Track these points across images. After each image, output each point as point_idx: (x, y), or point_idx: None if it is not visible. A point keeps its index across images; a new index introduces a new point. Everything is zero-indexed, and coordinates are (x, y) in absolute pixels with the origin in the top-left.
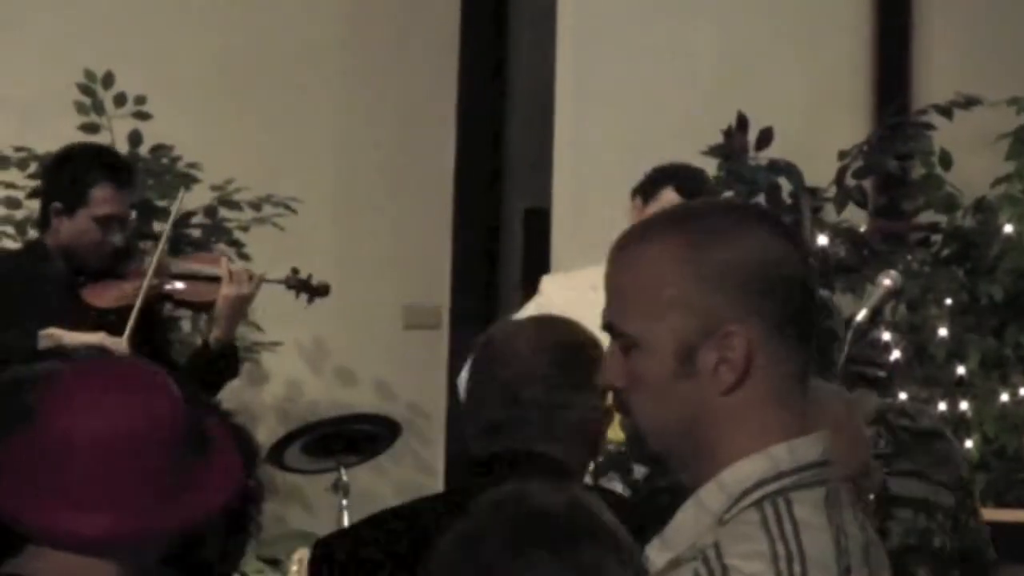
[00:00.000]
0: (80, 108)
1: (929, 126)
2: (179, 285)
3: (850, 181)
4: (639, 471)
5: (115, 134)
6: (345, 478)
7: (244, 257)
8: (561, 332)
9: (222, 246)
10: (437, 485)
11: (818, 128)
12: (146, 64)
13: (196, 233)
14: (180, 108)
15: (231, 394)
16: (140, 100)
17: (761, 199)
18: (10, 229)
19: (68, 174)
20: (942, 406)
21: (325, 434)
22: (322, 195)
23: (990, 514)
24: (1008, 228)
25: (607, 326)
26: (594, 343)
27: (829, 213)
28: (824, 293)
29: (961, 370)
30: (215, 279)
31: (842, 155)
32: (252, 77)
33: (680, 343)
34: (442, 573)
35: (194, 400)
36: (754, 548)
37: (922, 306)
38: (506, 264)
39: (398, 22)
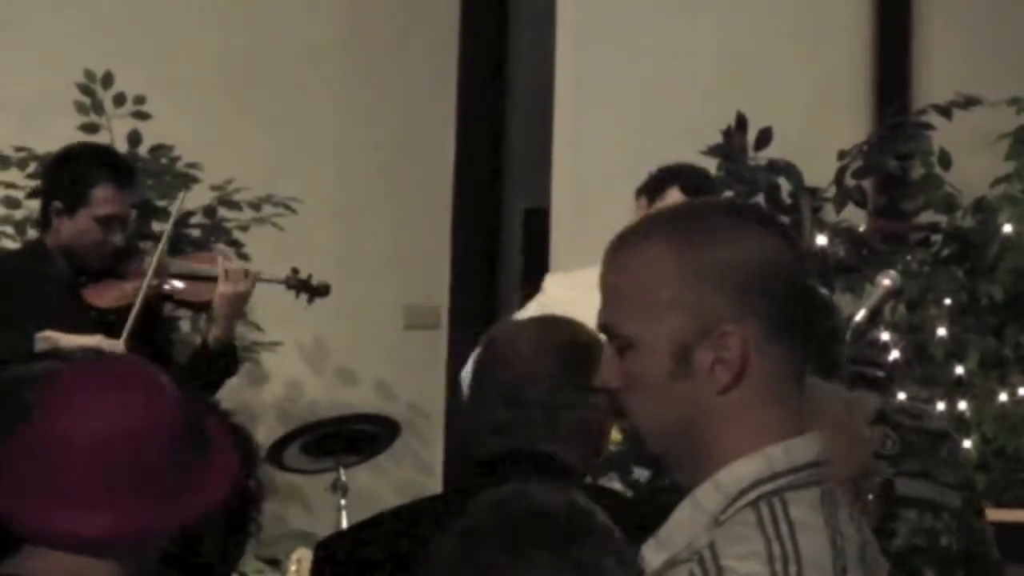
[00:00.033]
0: (80, 108)
1: (929, 126)
2: (179, 285)
3: (850, 181)
4: (640, 472)
5: (115, 134)
6: (344, 478)
7: (244, 257)
8: (563, 332)
9: (222, 246)
10: (436, 485)
11: (818, 128)
12: (146, 64)
13: (196, 233)
14: (180, 108)
15: (231, 394)
16: (140, 100)
17: (761, 199)
18: (10, 229)
19: (69, 174)
20: (941, 406)
21: (325, 434)
22: (322, 195)
23: (989, 514)
24: (1008, 228)
25: (603, 327)
26: (596, 343)
27: (829, 213)
28: (824, 293)
29: (960, 370)
30: (213, 278)
31: (842, 155)
32: (252, 77)
33: (676, 343)
34: (442, 573)
35: (193, 399)
36: (750, 549)
37: (921, 306)
38: (506, 264)
39: (398, 22)
